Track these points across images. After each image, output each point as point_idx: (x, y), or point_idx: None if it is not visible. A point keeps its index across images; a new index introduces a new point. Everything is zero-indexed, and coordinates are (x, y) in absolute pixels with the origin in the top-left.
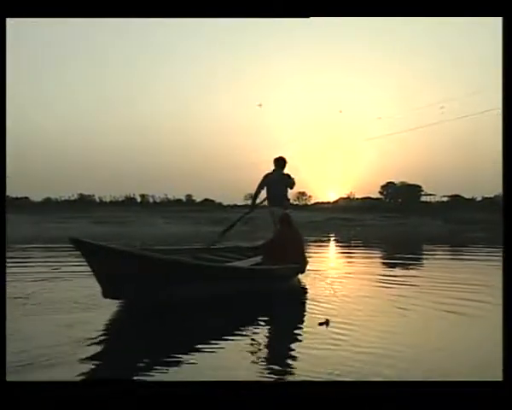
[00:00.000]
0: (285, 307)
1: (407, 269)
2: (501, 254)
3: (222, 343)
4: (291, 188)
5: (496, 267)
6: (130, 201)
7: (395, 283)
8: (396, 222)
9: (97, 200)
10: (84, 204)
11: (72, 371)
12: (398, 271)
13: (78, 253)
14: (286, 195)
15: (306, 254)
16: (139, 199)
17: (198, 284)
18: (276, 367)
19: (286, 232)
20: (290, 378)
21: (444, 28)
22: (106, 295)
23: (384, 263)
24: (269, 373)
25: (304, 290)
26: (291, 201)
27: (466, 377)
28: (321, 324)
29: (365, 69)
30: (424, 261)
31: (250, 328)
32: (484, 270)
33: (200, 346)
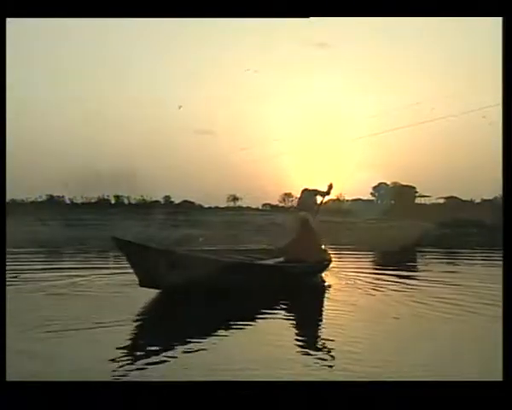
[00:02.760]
0: (309, 299)
1: (403, 274)
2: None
3: (245, 327)
4: (323, 196)
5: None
6: (103, 202)
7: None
8: (388, 225)
9: (68, 201)
10: (53, 206)
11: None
12: (393, 275)
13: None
14: (315, 203)
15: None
16: (113, 200)
17: (229, 277)
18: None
19: (305, 234)
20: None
21: (436, 27)
22: (143, 284)
23: (375, 267)
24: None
25: (327, 286)
26: (282, 202)
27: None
28: None
29: (356, 68)
30: (419, 266)
31: (277, 315)
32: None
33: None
